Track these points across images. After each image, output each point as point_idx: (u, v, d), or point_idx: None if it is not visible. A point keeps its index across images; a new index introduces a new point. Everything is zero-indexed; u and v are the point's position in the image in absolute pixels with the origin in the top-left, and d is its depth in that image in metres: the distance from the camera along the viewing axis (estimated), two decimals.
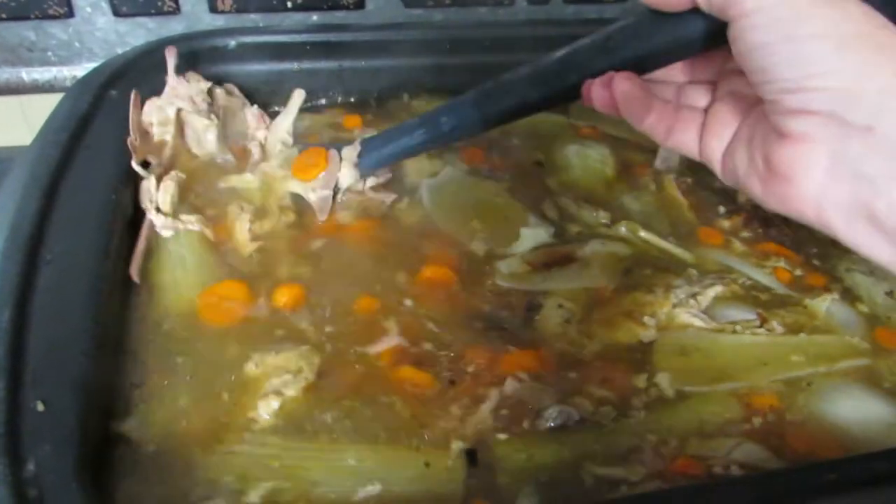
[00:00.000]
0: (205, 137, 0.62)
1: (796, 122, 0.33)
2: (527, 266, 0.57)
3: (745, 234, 0.63)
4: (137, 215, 0.57)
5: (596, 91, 0.42)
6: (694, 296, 0.55)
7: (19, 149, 0.58)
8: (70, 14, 0.78)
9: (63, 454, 0.37)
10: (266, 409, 0.44)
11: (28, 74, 0.82)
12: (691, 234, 0.63)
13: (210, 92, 0.66)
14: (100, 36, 0.80)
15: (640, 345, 0.52)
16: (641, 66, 0.42)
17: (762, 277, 0.59)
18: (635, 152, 0.72)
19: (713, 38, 0.38)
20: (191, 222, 0.55)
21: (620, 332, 0.53)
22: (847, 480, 0.38)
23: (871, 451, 0.42)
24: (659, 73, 0.43)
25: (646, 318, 0.54)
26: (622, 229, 0.62)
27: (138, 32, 0.81)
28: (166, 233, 0.54)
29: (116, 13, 0.79)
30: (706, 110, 0.41)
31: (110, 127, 0.59)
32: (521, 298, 0.54)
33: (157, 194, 0.56)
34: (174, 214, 0.55)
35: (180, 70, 0.65)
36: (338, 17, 0.84)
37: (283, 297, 0.52)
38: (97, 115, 0.59)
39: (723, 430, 0.46)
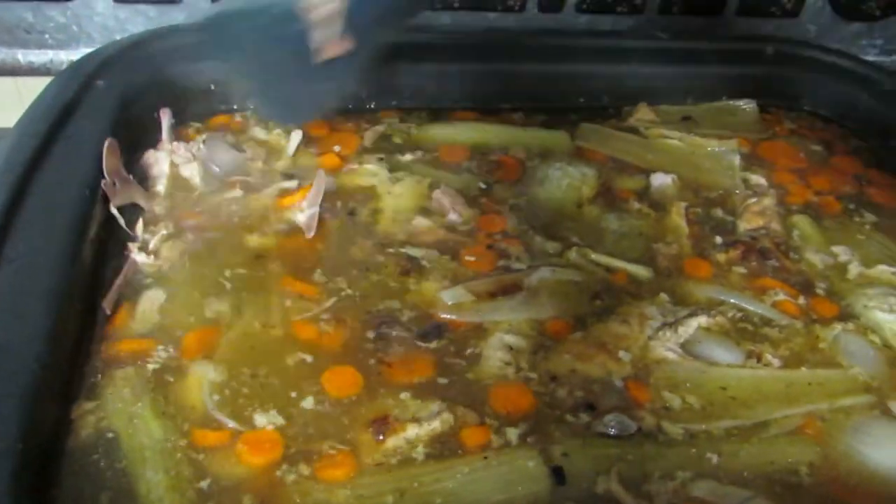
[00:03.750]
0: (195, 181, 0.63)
1: None
2: (471, 296, 0.54)
3: (741, 269, 0.61)
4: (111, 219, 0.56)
5: None
6: (670, 326, 0.53)
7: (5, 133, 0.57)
8: None
9: (1, 469, 0.35)
10: None
11: (24, 56, 0.80)
12: (678, 265, 0.61)
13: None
14: (98, 21, 0.79)
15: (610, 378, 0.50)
16: None
17: (760, 309, 0.57)
18: (630, 177, 0.71)
19: None
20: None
21: (592, 366, 0.50)
22: None
23: None
24: None
25: (621, 353, 0.51)
26: (572, 255, 0.59)
27: (138, 20, 0.79)
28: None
29: None
30: None
31: (93, 119, 0.58)
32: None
33: (142, 235, 0.56)
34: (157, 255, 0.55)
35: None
36: None
37: None
38: (81, 106, 0.58)
39: (739, 477, 0.45)
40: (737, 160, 0.72)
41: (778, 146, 0.77)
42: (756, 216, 0.65)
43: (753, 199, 0.67)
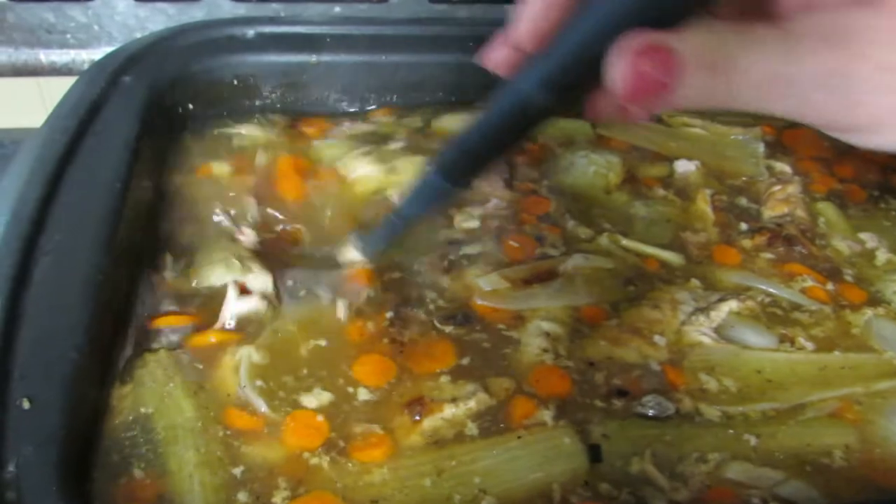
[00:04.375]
0: None
1: None
2: (507, 283, 0.54)
3: (768, 254, 0.61)
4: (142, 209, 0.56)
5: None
6: (702, 311, 0.53)
7: (36, 131, 0.57)
8: None
9: (46, 455, 0.35)
10: None
11: (46, 56, 0.81)
12: (707, 252, 0.60)
13: None
14: (119, 20, 0.79)
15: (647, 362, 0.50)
16: None
17: (787, 294, 0.56)
18: (653, 164, 0.71)
19: None
20: None
21: (628, 350, 0.50)
22: None
23: None
24: None
25: (656, 337, 0.51)
26: (604, 241, 0.59)
27: (158, 18, 0.80)
28: None
29: None
30: None
31: (121, 114, 0.58)
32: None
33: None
34: None
35: None
36: (361, 9, 0.82)
37: None
38: (108, 102, 0.59)
39: (772, 459, 0.45)
40: (760, 148, 0.72)
41: (801, 134, 0.77)
42: (780, 203, 0.65)
43: (778, 187, 0.67)
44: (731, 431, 0.46)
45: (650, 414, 0.46)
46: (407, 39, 0.75)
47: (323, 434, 0.43)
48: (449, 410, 0.44)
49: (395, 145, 0.67)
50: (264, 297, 0.51)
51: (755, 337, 0.53)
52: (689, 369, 0.50)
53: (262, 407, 0.44)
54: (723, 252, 0.61)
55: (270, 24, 0.72)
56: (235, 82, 0.71)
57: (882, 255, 0.61)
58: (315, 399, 0.45)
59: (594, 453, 0.44)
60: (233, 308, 0.49)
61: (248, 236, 0.56)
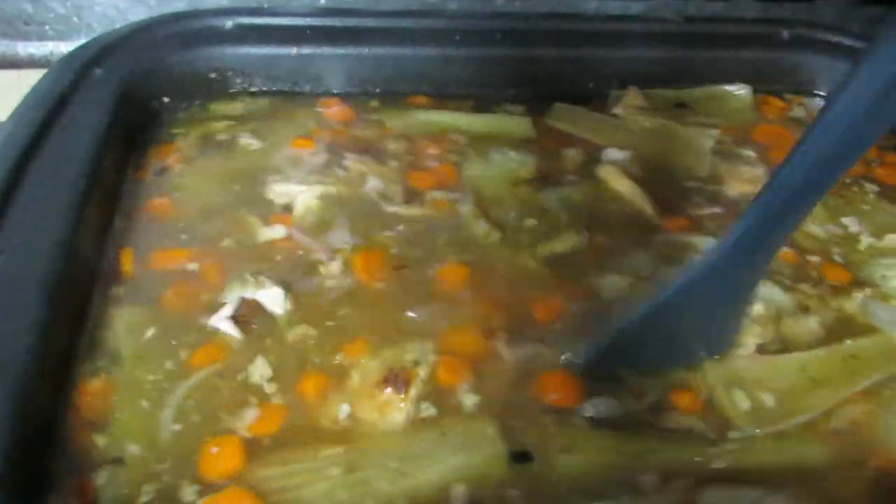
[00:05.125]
0: None
1: None
2: None
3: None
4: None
5: None
6: None
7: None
8: None
9: None
10: None
11: (24, 48, 0.79)
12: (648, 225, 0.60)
13: None
14: (99, 11, 0.78)
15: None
16: None
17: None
18: (578, 152, 0.68)
19: None
20: None
21: None
22: None
23: None
24: None
25: None
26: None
27: (139, 9, 0.78)
28: None
29: None
30: None
31: (91, 107, 0.56)
32: None
33: None
34: None
35: None
36: (347, 1, 0.80)
37: None
38: (78, 94, 0.57)
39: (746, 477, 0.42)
40: (710, 143, 0.70)
41: (773, 130, 0.75)
42: (744, 183, 0.64)
43: (746, 167, 0.65)
44: (696, 444, 0.43)
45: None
46: (390, 32, 0.73)
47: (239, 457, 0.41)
48: (422, 372, 0.44)
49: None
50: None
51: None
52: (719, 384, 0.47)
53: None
54: (672, 222, 0.60)
55: (249, 15, 0.71)
56: (213, 75, 0.69)
57: (866, 240, 0.60)
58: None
59: (520, 458, 0.41)
60: (217, 320, 0.48)
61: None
